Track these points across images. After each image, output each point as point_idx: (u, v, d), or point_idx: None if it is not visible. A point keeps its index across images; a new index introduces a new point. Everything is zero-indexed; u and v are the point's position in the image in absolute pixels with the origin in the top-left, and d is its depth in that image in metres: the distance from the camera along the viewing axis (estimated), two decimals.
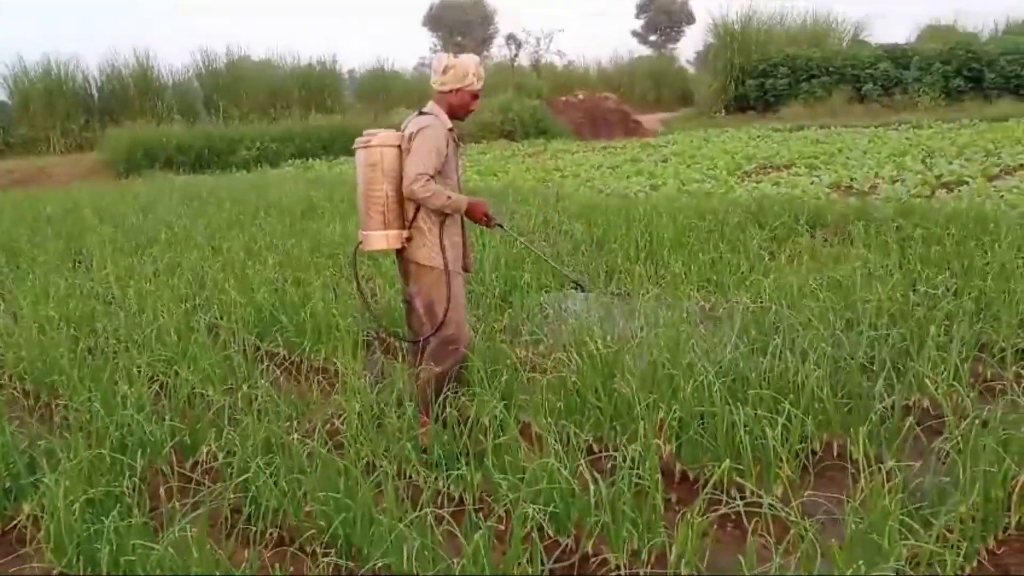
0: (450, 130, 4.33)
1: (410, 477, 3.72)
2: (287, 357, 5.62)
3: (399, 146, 4.27)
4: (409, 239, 4.31)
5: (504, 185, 14.54)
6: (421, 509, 3.08)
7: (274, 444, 3.76)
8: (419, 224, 4.29)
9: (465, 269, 4.53)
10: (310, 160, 26.41)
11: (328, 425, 4.20)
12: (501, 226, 4.55)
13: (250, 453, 3.64)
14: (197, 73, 32.71)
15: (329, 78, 34.81)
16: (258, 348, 5.65)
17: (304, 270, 7.34)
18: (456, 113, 4.39)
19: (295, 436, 3.72)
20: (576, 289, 5.30)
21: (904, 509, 2.94)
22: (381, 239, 4.30)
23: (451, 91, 4.33)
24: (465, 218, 4.43)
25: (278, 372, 4.98)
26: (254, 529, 3.35)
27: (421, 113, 4.34)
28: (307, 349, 5.50)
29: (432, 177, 4.16)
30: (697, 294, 6.24)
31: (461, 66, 4.32)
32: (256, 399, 4.25)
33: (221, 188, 16.21)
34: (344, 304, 6.05)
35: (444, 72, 4.33)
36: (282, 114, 31.66)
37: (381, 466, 3.44)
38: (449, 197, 4.21)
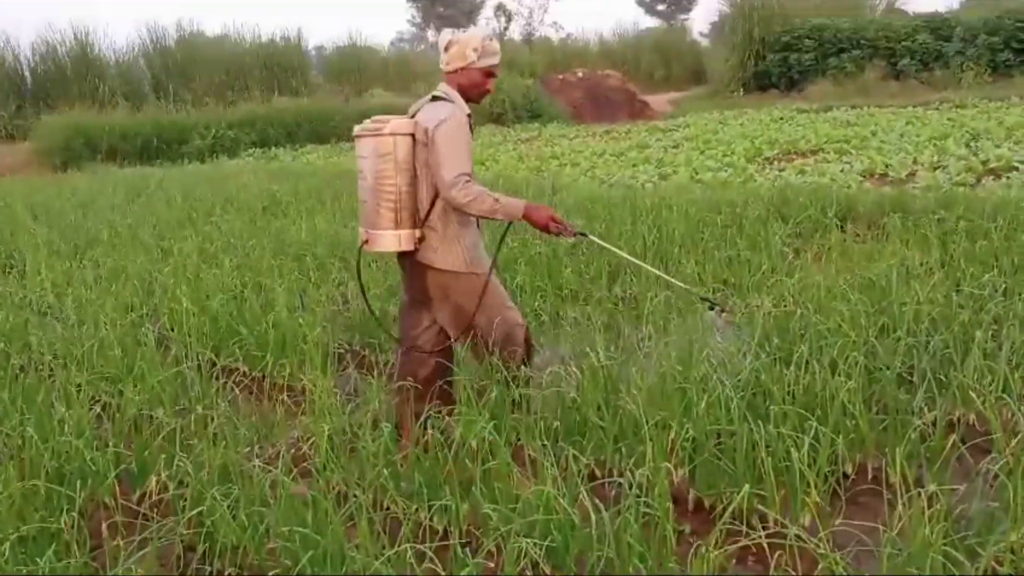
0: (468, 115, 4.30)
1: (387, 508, 3.72)
2: (247, 373, 5.61)
3: (412, 135, 4.26)
4: (421, 239, 4.31)
5: (494, 176, 14.55)
6: (400, 544, 3.08)
7: (233, 472, 3.76)
8: (432, 224, 4.29)
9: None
10: (273, 149, 26.41)
11: (294, 450, 4.20)
12: (585, 235, 4.50)
13: (205, 483, 3.63)
14: (144, 52, 32.65)
15: (294, 55, 34.78)
16: (214, 363, 5.64)
17: (266, 274, 7.34)
18: (469, 95, 4.37)
19: (256, 463, 3.72)
20: (712, 311, 5.09)
21: (948, 539, 2.94)
22: (392, 240, 4.28)
23: (457, 71, 4.33)
24: (530, 224, 4.32)
25: (237, 390, 4.97)
26: (210, 569, 3.35)
27: (435, 98, 4.34)
28: (270, 364, 5.50)
29: (471, 178, 4.14)
30: (713, 297, 6.25)
31: (463, 42, 4.32)
32: (212, 421, 4.24)
33: (171, 181, 16.20)
34: (312, 313, 6.04)
35: (447, 50, 4.35)
36: (241, 97, 31.59)
37: (354, 496, 3.44)
38: (497, 200, 4.16)
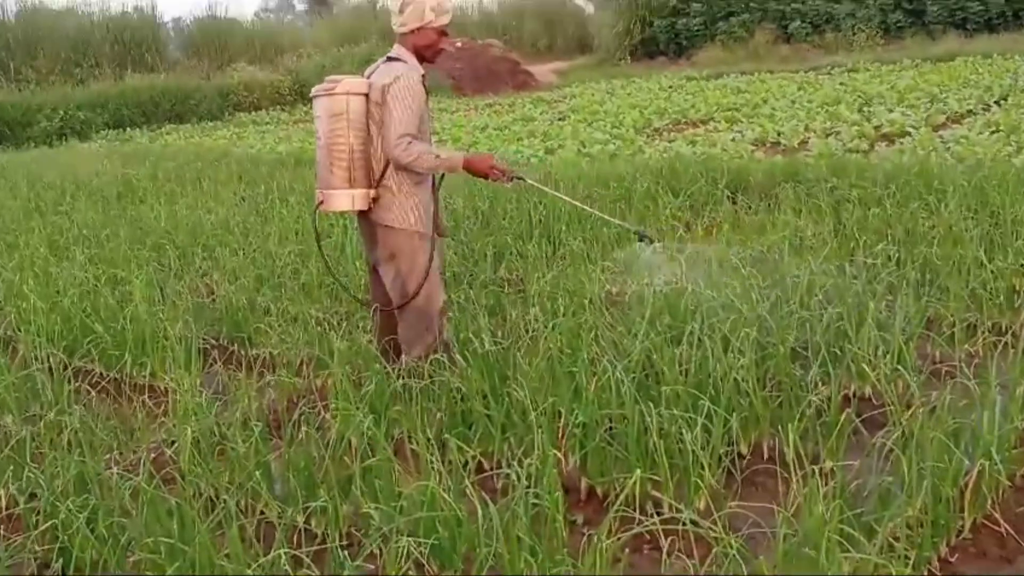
0: (423, 75, 4.62)
1: (261, 513, 3.67)
2: (104, 375, 5.48)
3: (366, 95, 4.53)
4: (376, 199, 4.60)
5: None
6: (274, 550, 3.05)
7: (89, 482, 3.66)
8: (387, 183, 4.59)
9: (439, 233, 4.84)
10: (128, 130, 25.88)
11: (157, 455, 4.12)
12: (522, 179, 4.87)
13: (59, 494, 3.53)
14: None
15: (148, 29, 34.10)
16: (66, 365, 5.46)
17: (123, 266, 7.17)
18: (424, 55, 4.69)
19: (115, 471, 3.64)
20: (642, 242, 5.47)
21: (843, 516, 3.03)
22: (346, 199, 4.56)
23: (412, 31, 4.62)
24: (471, 175, 4.73)
25: (93, 393, 4.86)
26: None
27: (389, 59, 4.63)
28: (129, 363, 5.37)
29: (414, 138, 4.46)
30: (601, 276, 6.31)
31: (418, 2, 4.57)
32: (66, 428, 4.14)
33: (15, 168, 15.72)
34: (174, 306, 5.93)
35: (401, 11, 4.62)
36: (91, 75, 30.80)
37: (223, 501, 3.38)
38: (438, 156, 4.54)
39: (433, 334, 4.71)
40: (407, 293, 4.68)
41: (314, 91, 4.61)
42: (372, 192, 4.59)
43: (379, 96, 4.49)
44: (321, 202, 4.64)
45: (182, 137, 23.62)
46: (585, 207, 5.67)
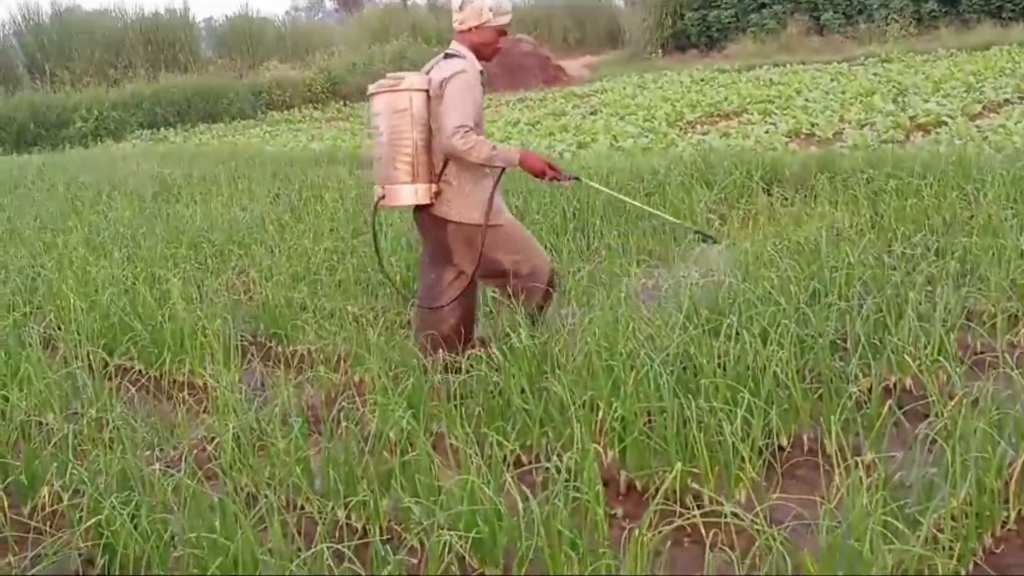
0: (480, 72, 4.74)
1: (302, 508, 3.69)
2: (143, 372, 5.52)
3: (427, 91, 4.66)
4: (438, 194, 4.73)
5: None
6: (316, 545, 3.06)
7: (132, 478, 3.69)
8: (447, 178, 4.74)
9: None
10: (162, 130, 26.07)
11: (198, 451, 4.15)
12: (577, 178, 4.99)
13: (102, 491, 3.56)
14: (15, 30, 31.91)
15: (181, 29, 34.30)
16: (107, 363, 5.53)
17: (160, 265, 7.22)
18: (482, 54, 4.79)
19: (157, 467, 3.66)
20: (705, 242, 5.55)
21: (886, 508, 3.01)
22: (409, 194, 4.69)
23: (470, 29, 4.72)
24: (525, 172, 4.87)
25: (133, 390, 4.90)
26: None
27: (448, 56, 4.74)
28: (168, 361, 5.41)
29: (471, 129, 4.54)
30: (637, 269, 6.30)
31: (477, 1, 4.67)
32: (107, 425, 4.17)
33: (52, 169, 15.84)
34: (211, 304, 5.96)
35: (461, 9, 4.75)
36: (125, 76, 31.06)
37: (265, 497, 3.40)
38: (494, 148, 4.62)
39: (540, 293, 4.93)
40: (501, 268, 4.86)
41: (374, 88, 4.72)
42: (434, 187, 4.69)
43: (438, 91, 4.59)
44: (383, 197, 4.73)
45: (215, 136, 23.76)
46: (648, 208, 5.59)
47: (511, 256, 4.85)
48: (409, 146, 4.60)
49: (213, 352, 5.19)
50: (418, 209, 4.87)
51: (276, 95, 30.49)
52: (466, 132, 4.51)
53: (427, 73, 4.75)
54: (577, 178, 4.98)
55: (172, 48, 33.33)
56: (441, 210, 4.75)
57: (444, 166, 4.71)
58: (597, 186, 5.49)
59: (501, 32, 4.76)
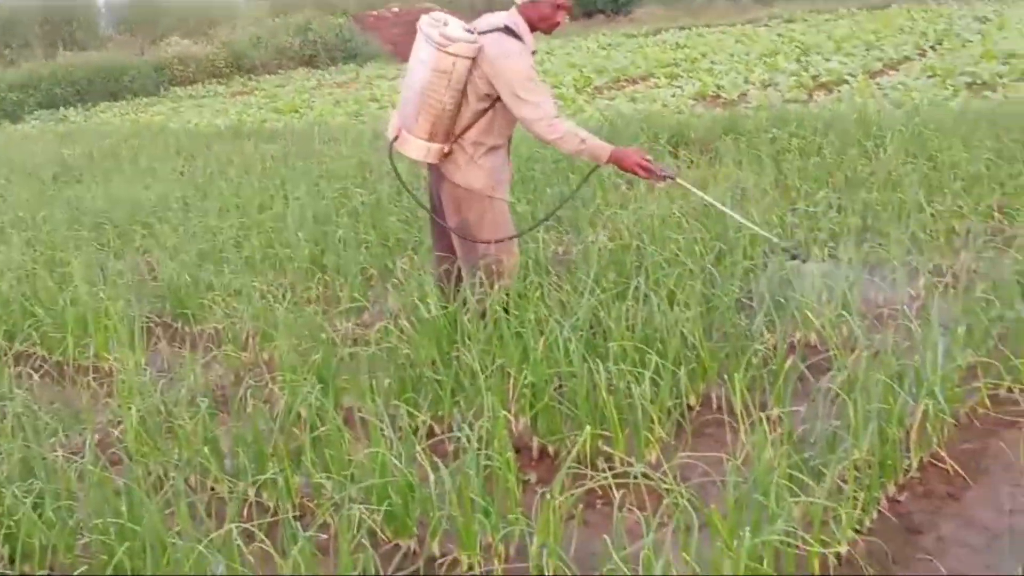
0: (533, 52, 4.56)
1: (212, 489, 3.65)
2: (46, 357, 5.40)
3: (474, 59, 4.41)
4: (448, 154, 4.60)
5: (308, 124, 14.33)
6: (226, 525, 3.03)
7: (35, 466, 3.61)
8: (463, 143, 4.58)
9: None
10: (61, 110, 25.43)
11: (103, 436, 4.09)
12: (673, 179, 4.60)
13: (3, 480, 3.49)
14: None
15: (79, 7, 33.46)
16: (7, 350, 5.41)
17: (61, 248, 7.07)
18: (537, 26, 4.57)
19: (60, 454, 3.59)
20: (794, 259, 4.82)
21: (792, 461, 3.06)
22: (421, 149, 4.57)
23: (530, 2, 4.48)
24: (618, 168, 4.62)
25: (35, 377, 4.78)
26: (16, 573, 3.23)
27: (505, 29, 4.48)
28: (71, 345, 5.31)
29: (559, 114, 4.48)
30: (546, 236, 6.31)
31: None
32: (8, 413, 4.08)
33: None
34: (114, 286, 5.84)
35: None
36: (20, 55, 30.28)
37: (172, 479, 3.36)
38: (583, 141, 4.44)
39: (510, 278, 4.67)
40: (475, 239, 4.65)
41: (427, 32, 4.45)
42: (446, 148, 4.57)
43: (488, 68, 4.40)
44: (397, 137, 4.64)
45: (118, 115, 23.26)
46: (743, 220, 5.07)
47: (489, 235, 4.67)
48: (437, 106, 4.45)
49: (117, 335, 5.10)
50: (431, 164, 4.75)
51: (179, 71, 29.94)
52: (556, 119, 4.41)
53: (479, 33, 4.49)
54: (673, 178, 4.59)
55: (70, 26, 32.61)
56: (446, 168, 4.64)
57: (464, 131, 4.57)
58: (694, 190, 4.94)
59: (558, 6, 4.51)
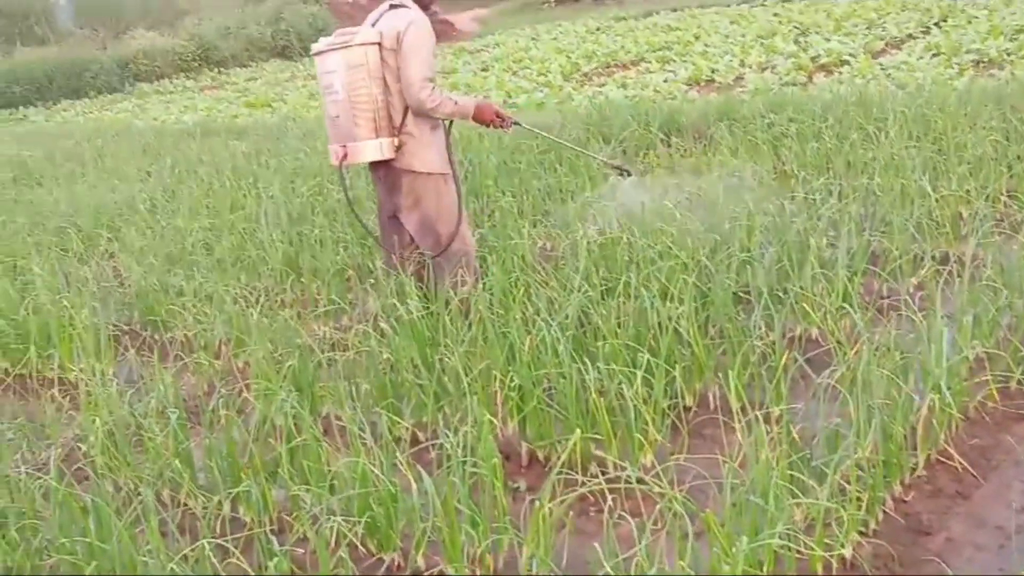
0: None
1: (184, 504, 3.66)
2: (8, 371, 5.41)
3: (380, 44, 4.76)
4: (400, 147, 4.87)
5: (281, 119, 14.31)
6: (199, 541, 3.03)
7: None
8: (408, 129, 4.87)
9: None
10: (20, 109, 25.38)
11: (69, 452, 4.09)
12: (518, 123, 5.29)
13: None
14: None
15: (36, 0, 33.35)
16: None
17: (21, 255, 7.06)
18: (423, 2, 4.92)
19: (23, 470, 3.59)
20: (621, 175, 6.17)
21: (791, 461, 3.08)
22: (373, 149, 4.83)
23: None
24: (474, 121, 5.08)
25: None
26: None
27: (394, 6, 4.88)
28: (34, 357, 5.31)
29: (433, 81, 4.78)
30: (533, 231, 6.32)
31: None
32: None
33: None
34: (79, 293, 5.84)
35: None
36: None
37: (141, 495, 3.36)
38: (456, 103, 4.87)
39: (475, 274, 5.00)
40: (438, 234, 4.96)
41: (322, 46, 4.87)
42: (395, 140, 4.82)
43: (393, 43, 4.73)
44: (345, 155, 4.84)
45: (80, 113, 23.23)
46: (571, 145, 6.49)
47: (448, 215, 5.00)
48: (368, 101, 4.74)
49: (83, 344, 5.10)
50: (374, 165, 5.02)
51: (144, 65, 29.83)
52: (433, 87, 4.73)
53: (373, 25, 4.86)
54: (519, 123, 5.34)
55: (27, 20, 32.50)
56: (404, 162, 4.89)
57: (403, 117, 4.84)
58: (534, 130, 6.13)
59: None
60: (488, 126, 5.16)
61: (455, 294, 4.67)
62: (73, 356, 5.22)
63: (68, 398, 4.69)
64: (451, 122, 5.12)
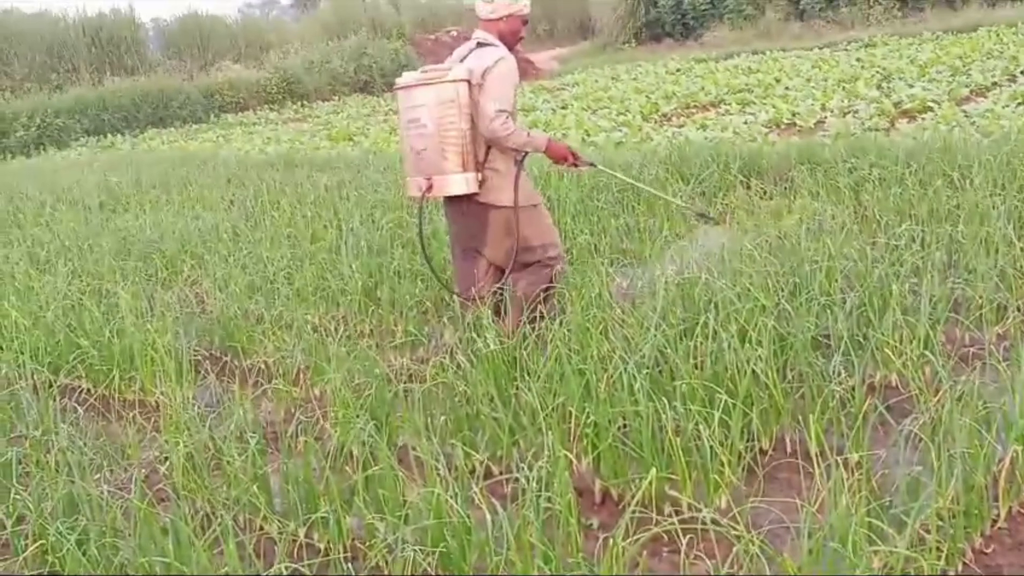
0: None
1: (260, 529, 3.70)
2: (91, 391, 5.51)
3: (469, 81, 4.90)
4: (483, 181, 5.02)
5: (363, 152, 14.46)
6: (275, 566, 3.06)
7: (79, 502, 3.68)
8: (493, 164, 5.03)
9: None
10: (108, 137, 25.89)
11: (149, 472, 4.15)
12: (593, 164, 5.45)
13: (48, 516, 3.56)
14: None
15: (127, 30, 34.18)
16: (52, 383, 5.51)
17: (108, 278, 7.20)
18: (508, 42, 5.04)
19: (105, 489, 3.65)
20: (704, 222, 6.31)
21: (870, 508, 3.04)
22: (460, 183, 4.96)
23: (502, 18, 5.02)
24: (550, 159, 5.28)
25: (80, 411, 4.87)
26: None
27: (482, 45, 5.03)
28: (117, 378, 5.40)
29: (510, 114, 4.89)
30: (610, 269, 6.32)
31: None
32: (53, 448, 4.15)
33: None
34: (162, 318, 5.94)
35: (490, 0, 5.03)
36: (68, 80, 30.88)
37: (220, 517, 3.40)
38: (529, 135, 4.99)
39: (558, 270, 5.29)
40: (530, 245, 5.15)
41: (409, 80, 4.99)
42: (479, 175, 4.96)
43: (479, 79, 4.88)
44: (430, 187, 4.95)
45: (165, 141, 23.68)
46: (657, 192, 6.37)
47: (542, 240, 5.17)
48: (458, 136, 4.86)
49: (165, 368, 5.18)
50: (454, 200, 5.12)
51: (229, 97, 30.42)
52: (507, 117, 4.84)
53: (461, 62, 5.02)
54: (594, 164, 5.47)
55: (118, 50, 33.21)
56: (489, 197, 5.01)
57: (487, 153, 5.00)
58: (611, 172, 6.14)
59: (525, 20, 5.06)
60: (561, 163, 5.28)
61: (531, 329, 4.69)
62: (154, 379, 5.30)
63: (149, 420, 4.77)
64: (524, 155, 5.15)
